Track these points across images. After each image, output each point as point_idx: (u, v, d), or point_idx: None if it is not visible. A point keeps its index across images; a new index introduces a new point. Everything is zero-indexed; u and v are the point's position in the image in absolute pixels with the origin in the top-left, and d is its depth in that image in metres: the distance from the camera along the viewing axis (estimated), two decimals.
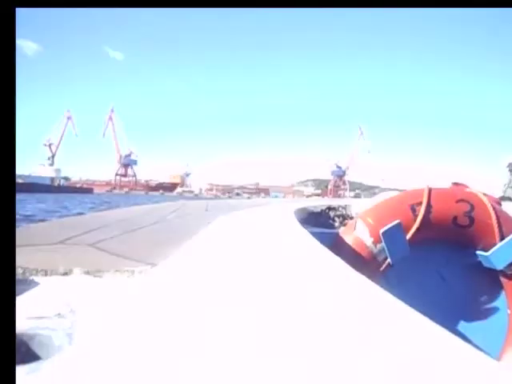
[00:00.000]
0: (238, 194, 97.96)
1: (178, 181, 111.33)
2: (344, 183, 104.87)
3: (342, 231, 3.25)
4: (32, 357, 0.59)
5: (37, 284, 1.03)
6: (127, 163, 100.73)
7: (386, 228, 2.75)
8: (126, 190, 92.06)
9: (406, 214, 2.84)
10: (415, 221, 2.81)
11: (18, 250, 1.02)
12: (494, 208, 2.92)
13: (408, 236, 2.80)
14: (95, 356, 0.55)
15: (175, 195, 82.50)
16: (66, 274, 1.12)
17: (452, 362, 0.54)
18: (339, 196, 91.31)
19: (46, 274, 1.10)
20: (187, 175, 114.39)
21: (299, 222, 2.87)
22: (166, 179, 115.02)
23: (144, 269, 1.16)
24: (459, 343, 0.60)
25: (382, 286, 0.91)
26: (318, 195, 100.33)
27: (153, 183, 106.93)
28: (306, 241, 1.79)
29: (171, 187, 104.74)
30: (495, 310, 2.98)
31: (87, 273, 1.13)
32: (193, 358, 0.54)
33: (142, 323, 0.69)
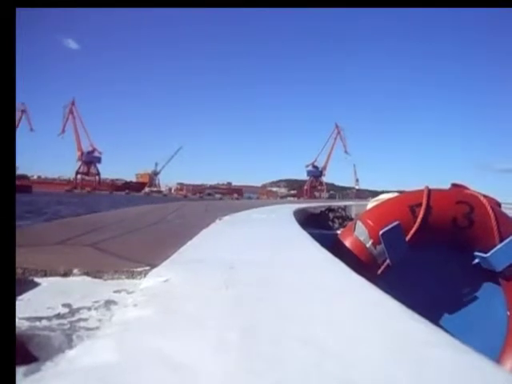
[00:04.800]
0: (209, 195, 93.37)
1: (145, 180, 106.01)
2: (321, 184, 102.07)
3: (341, 232, 3.25)
4: (31, 358, 0.59)
5: (36, 284, 1.03)
6: (90, 161, 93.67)
7: (385, 229, 2.75)
8: (88, 189, 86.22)
9: (405, 216, 2.84)
10: (415, 222, 2.81)
11: (17, 250, 1.02)
12: (493, 209, 2.93)
13: (407, 237, 2.80)
14: (95, 357, 0.55)
15: (142, 195, 78.70)
16: (65, 274, 1.11)
17: (451, 364, 0.54)
18: (315, 197, 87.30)
19: (45, 275, 1.10)
20: (156, 174, 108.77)
21: (298, 223, 2.87)
22: (133, 178, 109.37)
23: (144, 269, 1.16)
24: (458, 345, 0.60)
25: (381, 288, 0.91)
26: (294, 196, 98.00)
27: (119, 183, 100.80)
28: (306, 242, 1.79)
29: (138, 187, 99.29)
30: (494, 311, 2.98)
31: (87, 273, 1.13)
32: (195, 357, 0.54)
33: (143, 324, 0.69)
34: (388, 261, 2.79)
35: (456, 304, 3.02)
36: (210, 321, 0.70)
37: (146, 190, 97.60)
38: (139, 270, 1.16)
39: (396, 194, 3.44)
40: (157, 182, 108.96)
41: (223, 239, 2.01)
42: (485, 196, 3.05)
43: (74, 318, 0.76)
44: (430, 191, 2.93)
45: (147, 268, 1.16)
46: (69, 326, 0.72)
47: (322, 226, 4.56)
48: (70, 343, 0.63)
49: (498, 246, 2.84)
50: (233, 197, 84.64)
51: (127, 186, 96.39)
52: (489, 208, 2.90)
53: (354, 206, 6.55)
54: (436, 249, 3.00)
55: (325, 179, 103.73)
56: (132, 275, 1.13)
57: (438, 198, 2.94)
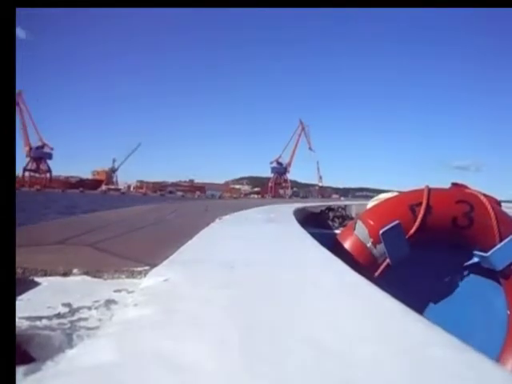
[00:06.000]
0: (170, 192, 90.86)
1: (102, 177, 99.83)
2: (285, 181, 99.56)
3: (341, 232, 3.25)
4: (31, 357, 0.59)
5: (36, 284, 1.03)
6: (39, 156, 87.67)
7: (385, 229, 2.75)
8: (37, 187, 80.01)
9: (405, 215, 2.84)
10: (415, 221, 2.81)
11: (17, 250, 1.02)
12: (493, 209, 2.93)
13: (408, 237, 2.80)
14: (95, 357, 0.55)
15: (98, 193, 74.58)
16: (65, 274, 1.11)
17: (451, 363, 0.54)
18: (280, 195, 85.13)
19: (45, 274, 1.10)
20: (113, 171, 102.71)
21: (298, 222, 2.87)
22: (89, 176, 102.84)
23: (144, 269, 1.16)
24: (458, 344, 0.60)
25: (381, 287, 0.91)
26: (258, 193, 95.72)
27: (73, 180, 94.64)
28: (306, 241, 1.79)
29: (95, 184, 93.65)
30: (494, 310, 2.98)
31: (87, 273, 1.13)
32: (195, 357, 0.54)
33: (143, 323, 0.69)
34: (388, 260, 2.79)
35: (456, 303, 3.02)
36: (210, 320, 0.70)
37: (103, 187, 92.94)
38: (139, 269, 1.16)
39: (395, 194, 3.44)
40: (115, 179, 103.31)
41: (223, 239, 2.01)
42: (485, 195, 3.04)
43: (74, 318, 0.76)
44: (430, 190, 2.93)
45: (147, 267, 1.16)
46: (69, 325, 0.72)
47: (322, 225, 4.56)
48: (70, 343, 0.63)
49: (498, 245, 2.84)
50: (195, 194, 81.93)
51: (82, 184, 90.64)
52: (489, 207, 2.90)
53: (354, 205, 6.55)
54: (436, 248, 3.00)
55: (289, 176, 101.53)
56: (132, 275, 1.14)
57: (438, 197, 2.94)
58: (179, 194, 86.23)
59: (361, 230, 2.87)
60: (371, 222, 2.85)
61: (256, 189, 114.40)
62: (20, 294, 0.92)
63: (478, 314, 2.98)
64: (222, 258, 1.33)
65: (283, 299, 0.86)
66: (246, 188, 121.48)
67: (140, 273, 1.14)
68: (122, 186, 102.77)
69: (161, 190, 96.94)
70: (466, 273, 3.08)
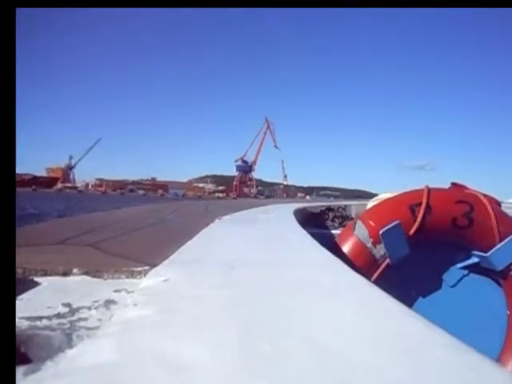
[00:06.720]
0: (131, 191, 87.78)
1: (58, 175, 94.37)
2: (250, 180, 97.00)
3: (341, 232, 3.25)
4: (31, 357, 0.59)
5: (37, 284, 1.03)
6: None
7: (385, 229, 2.74)
8: None
9: (405, 215, 2.84)
10: (415, 221, 2.81)
11: (17, 250, 1.02)
12: (493, 209, 2.93)
13: (408, 237, 2.80)
14: (95, 356, 0.55)
15: (53, 192, 70.77)
16: (65, 274, 1.11)
17: (451, 363, 0.54)
18: (245, 194, 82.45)
19: (45, 274, 1.10)
20: (70, 169, 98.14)
21: (298, 222, 2.87)
22: (43, 173, 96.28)
23: (144, 269, 1.16)
24: (458, 344, 0.60)
25: (381, 287, 0.91)
26: (222, 192, 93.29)
27: (26, 177, 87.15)
28: (306, 241, 1.79)
29: (49, 182, 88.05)
30: (494, 310, 2.98)
31: (87, 273, 1.13)
32: (195, 357, 0.54)
33: (143, 323, 0.69)
34: (388, 260, 2.79)
35: (456, 303, 3.02)
36: (209, 320, 0.70)
37: (59, 185, 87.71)
38: (139, 269, 1.16)
39: (395, 194, 3.44)
40: (71, 176, 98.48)
41: (223, 239, 2.01)
42: (485, 195, 3.04)
43: (74, 318, 0.76)
44: (429, 190, 2.93)
45: (147, 268, 1.16)
46: (69, 325, 0.72)
47: (322, 225, 4.57)
48: (70, 343, 0.63)
49: (498, 246, 2.83)
50: (158, 193, 78.96)
51: (35, 182, 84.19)
52: (489, 207, 2.90)
53: (354, 205, 6.55)
54: (436, 248, 3.00)
55: (254, 175, 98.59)
56: (132, 275, 1.14)
57: (438, 197, 2.94)
58: (140, 192, 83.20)
59: (361, 230, 2.87)
60: (371, 222, 2.85)
61: (220, 187, 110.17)
62: (20, 293, 0.92)
63: (478, 314, 2.98)
64: (222, 258, 1.33)
65: (283, 299, 0.86)
66: (210, 186, 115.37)
67: (140, 273, 1.14)
68: (79, 184, 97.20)
69: (121, 188, 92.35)
70: (465, 273, 3.08)
